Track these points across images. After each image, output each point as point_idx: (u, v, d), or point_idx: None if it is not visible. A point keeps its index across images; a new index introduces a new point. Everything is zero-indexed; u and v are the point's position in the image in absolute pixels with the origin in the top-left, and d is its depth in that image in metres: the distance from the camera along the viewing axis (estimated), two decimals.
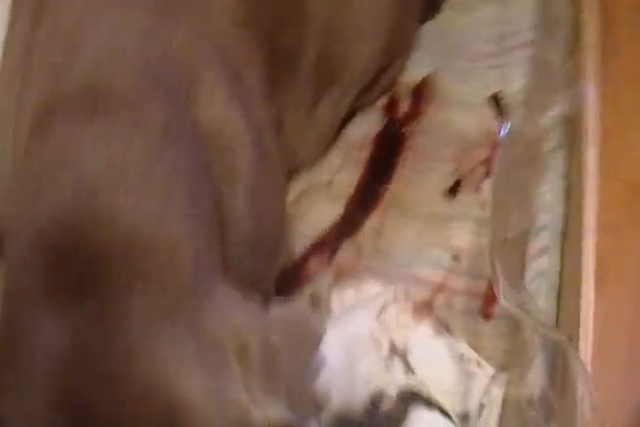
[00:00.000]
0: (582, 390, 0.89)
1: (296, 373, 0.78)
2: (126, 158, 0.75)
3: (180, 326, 0.71)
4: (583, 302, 0.98)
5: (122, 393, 0.66)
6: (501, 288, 1.02)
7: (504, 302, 1.00)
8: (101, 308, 0.70)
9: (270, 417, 0.71)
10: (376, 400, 1.00)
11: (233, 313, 0.75)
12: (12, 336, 0.72)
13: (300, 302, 1.07)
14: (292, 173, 1.18)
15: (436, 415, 0.98)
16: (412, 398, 1.00)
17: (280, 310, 0.83)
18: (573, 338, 0.95)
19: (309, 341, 0.83)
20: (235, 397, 0.70)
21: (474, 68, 1.32)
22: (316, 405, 0.97)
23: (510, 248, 1.08)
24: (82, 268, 0.71)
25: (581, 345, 0.94)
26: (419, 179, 1.22)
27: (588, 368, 0.92)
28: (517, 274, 1.06)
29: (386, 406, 1.00)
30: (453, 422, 0.98)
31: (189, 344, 0.70)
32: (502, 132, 1.22)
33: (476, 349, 1.05)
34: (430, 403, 1.00)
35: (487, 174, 1.21)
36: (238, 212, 0.87)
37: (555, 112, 1.16)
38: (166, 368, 0.68)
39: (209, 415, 0.68)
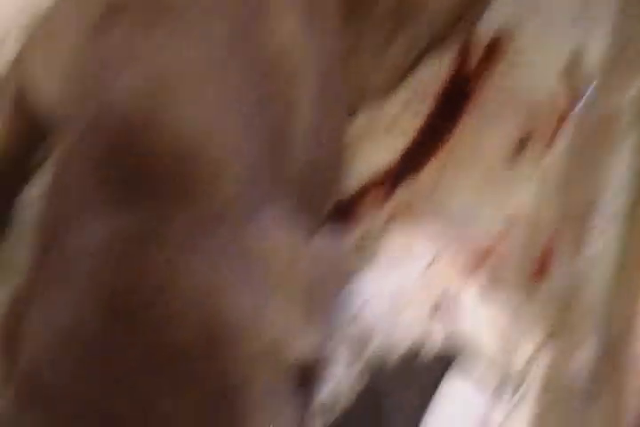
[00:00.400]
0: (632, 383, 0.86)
1: (326, 303, 0.77)
2: (190, 64, 0.75)
3: (224, 238, 0.69)
4: None
5: (163, 300, 0.64)
6: (559, 257, 0.98)
7: (558, 277, 0.97)
8: (149, 209, 0.68)
9: (303, 348, 0.70)
10: (415, 351, 0.97)
11: (277, 234, 0.73)
12: (57, 229, 0.71)
13: (339, 240, 1.03)
14: (356, 106, 1.13)
15: (467, 389, 0.94)
16: (451, 357, 0.96)
17: (321, 242, 0.82)
18: (629, 324, 0.92)
19: (340, 279, 0.84)
20: (272, 319, 0.68)
21: (553, 26, 1.26)
22: (356, 346, 0.93)
23: (572, 223, 1.04)
24: (133, 166, 0.70)
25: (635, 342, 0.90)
26: (482, 136, 1.18)
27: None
28: (576, 250, 1.02)
29: (424, 357, 0.96)
30: (488, 391, 0.94)
31: (232, 258, 0.68)
32: (576, 103, 1.18)
33: (525, 313, 1.01)
34: (468, 364, 0.96)
35: (553, 141, 1.17)
36: (298, 139, 0.84)
37: (633, 90, 1.12)
38: (209, 281, 0.66)
39: (247, 334, 0.65)
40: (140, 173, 0.70)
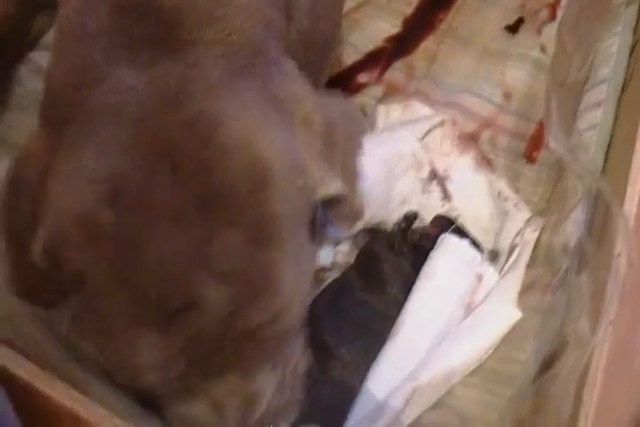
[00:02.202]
0: (621, 244, 0.87)
1: (348, 152, 0.79)
2: None
3: (255, 85, 0.70)
4: (635, 159, 0.95)
5: (208, 145, 0.65)
6: (552, 130, 0.99)
7: (553, 143, 0.97)
8: (177, 55, 0.68)
9: (328, 186, 0.72)
10: (409, 220, 0.98)
11: (298, 83, 0.75)
12: (85, 71, 0.70)
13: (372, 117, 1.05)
14: None
15: (464, 243, 0.96)
16: (446, 223, 0.98)
17: (333, 98, 0.83)
18: (619, 191, 0.93)
19: (357, 131, 0.83)
20: (304, 164, 0.70)
21: None
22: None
23: (567, 94, 1.05)
24: (158, 18, 0.70)
25: (626, 203, 0.91)
26: (480, 10, 1.19)
27: (630, 224, 0.91)
28: (570, 120, 1.03)
29: (418, 226, 0.98)
30: (482, 253, 0.96)
31: (263, 104, 0.69)
32: None
33: (516, 190, 1.03)
34: (462, 232, 0.98)
35: (551, 18, 1.17)
36: (301, 4, 0.84)
37: None
38: (247, 125, 0.67)
39: (286, 175, 0.67)
40: (168, 25, 0.70)
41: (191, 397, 0.70)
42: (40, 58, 1.07)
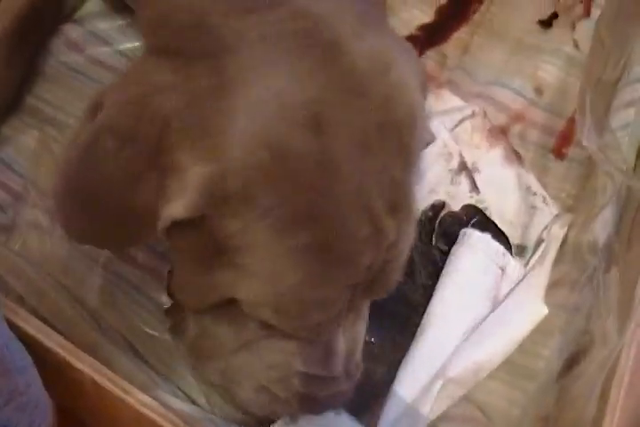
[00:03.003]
0: None
1: None
2: None
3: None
4: None
5: (384, 76, 0.69)
6: (585, 128, 0.98)
7: (586, 141, 0.97)
8: None
9: None
10: (437, 209, 0.98)
11: None
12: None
13: None
14: None
15: (486, 237, 0.96)
16: (475, 212, 0.98)
17: None
18: None
19: None
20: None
21: None
22: None
23: (601, 91, 1.04)
24: None
25: None
26: (515, 3, 1.18)
27: None
28: (603, 118, 1.02)
29: (446, 215, 0.98)
30: (509, 245, 0.96)
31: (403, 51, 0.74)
32: None
33: (544, 186, 1.02)
34: (488, 225, 0.98)
35: (586, 14, 1.16)
36: None
37: None
38: (406, 68, 0.71)
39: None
40: None
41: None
42: (73, 31, 1.07)
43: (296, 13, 0.66)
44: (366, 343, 0.80)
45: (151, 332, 0.84)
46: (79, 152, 0.66)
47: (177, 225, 0.64)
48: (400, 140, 0.67)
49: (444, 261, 0.94)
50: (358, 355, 0.76)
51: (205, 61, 0.64)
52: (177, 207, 0.63)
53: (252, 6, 0.66)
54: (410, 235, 0.71)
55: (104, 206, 0.66)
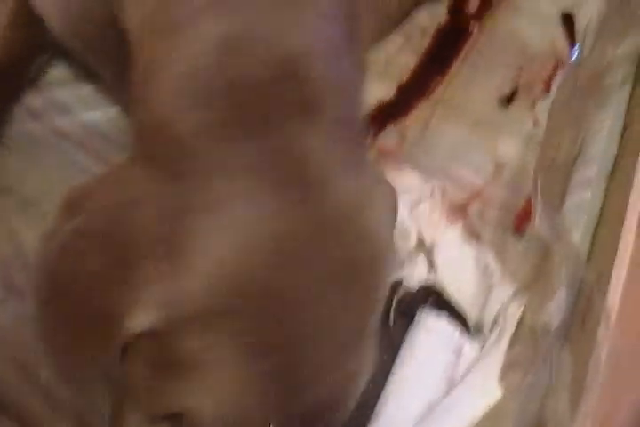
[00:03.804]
0: (602, 336, 0.87)
1: None
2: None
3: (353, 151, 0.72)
4: (622, 243, 0.96)
5: (353, 222, 0.68)
6: (539, 211, 0.99)
7: (539, 225, 0.98)
8: (314, 129, 0.69)
9: None
10: (394, 288, 0.98)
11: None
12: (229, 128, 0.67)
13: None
14: None
15: (441, 318, 0.96)
16: (431, 293, 0.98)
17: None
18: (603, 277, 0.94)
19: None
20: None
21: None
22: None
23: (555, 173, 1.05)
24: (251, 96, 0.68)
25: (611, 287, 0.92)
26: (475, 80, 1.18)
27: (614, 313, 0.91)
28: (557, 200, 1.03)
29: (402, 295, 0.98)
30: (468, 325, 0.96)
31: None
32: (571, 55, 1.19)
33: (502, 264, 1.02)
34: (444, 306, 0.98)
35: (545, 92, 1.18)
36: None
37: (626, 46, 1.13)
38: (375, 212, 0.70)
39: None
40: (261, 100, 0.68)
41: None
42: (34, 99, 1.07)
43: (285, 146, 0.66)
44: None
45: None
46: (56, 252, 0.66)
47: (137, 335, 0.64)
48: (366, 281, 0.68)
49: (400, 341, 0.93)
50: None
51: (186, 181, 0.65)
52: (138, 320, 0.63)
53: (243, 134, 0.66)
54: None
55: (77, 308, 0.66)
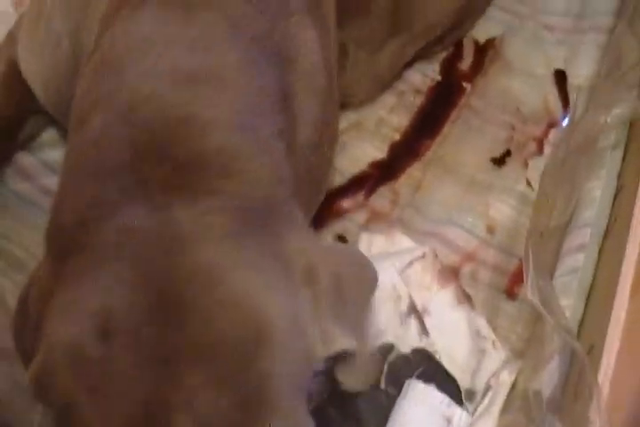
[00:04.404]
0: (593, 413, 0.86)
1: (357, 305, 0.77)
2: (222, 65, 0.75)
3: (265, 239, 0.69)
4: (614, 312, 0.95)
5: (207, 289, 0.64)
6: (530, 277, 0.98)
7: (530, 291, 0.97)
8: (192, 203, 0.68)
9: (336, 348, 0.70)
10: (385, 352, 0.97)
11: (305, 238, 0.74)
12: (94, 205, 0.69)
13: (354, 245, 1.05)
14: (343, 106, 1.12)
15: (429, 388, 0.94)
16: (422, 359, 0.97)
17: (338, 246, 0.84)
18: (596, 345, 0.93)
19: (366, 281, 0.81)
20: (307, 328, 0.69)
21: (543, 37, 1.30)
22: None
23: (548, 238, 1.04)
24: (173, 161, 0.69)
25: (605, 355, 0.91)
26: (467, 139, 1.19)
27: (608, 381, 0.89)
28: (550, 265, 1.03)
29: (394, 359, 0.97)
30: (459, 392, 0.95)
31: (271, 261, 0.68)
32: (563, 117, 1.19)
33: (494, 327, 1.01)
34: (435, 373, 0.97)
35: (539, 151, 1.18)
36: (303, 137, 0.85)
37: (619, 110, 1.13)
38: (254, 283, 0.66)
39: (287, 338, 0.66)
40: (185, 173, 0.69)
41: None
42: (24, 159, 1.09)
43: (125, 227, 0.67)
44: None
45: None
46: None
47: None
48: (227, 363, 0.64)
49: (391, 406, 0.92)
50: None
51: (55, 259, 0.70)
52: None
53: (93, 215, 0.69)
54: None
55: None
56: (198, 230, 0.66)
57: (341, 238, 1.07)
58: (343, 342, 0.71)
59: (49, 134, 1.10)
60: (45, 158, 1.08)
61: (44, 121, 1.07)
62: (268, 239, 0.69)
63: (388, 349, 0.97)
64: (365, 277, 0.80)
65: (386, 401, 0.93)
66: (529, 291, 0.94)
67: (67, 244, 0.69)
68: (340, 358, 0.72)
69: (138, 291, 0.65)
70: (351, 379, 0.78)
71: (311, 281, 0.70)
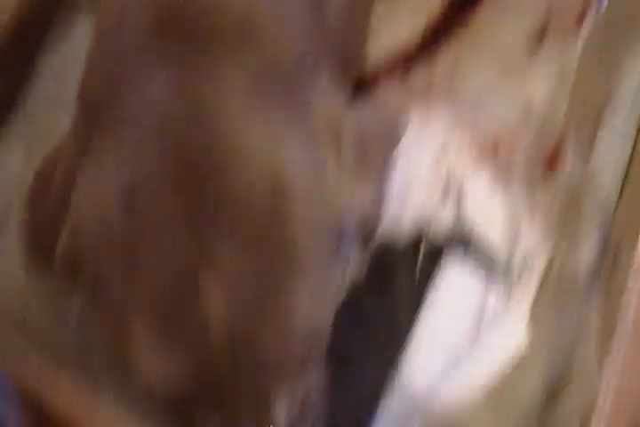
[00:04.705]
0: (632, 284, 0.87)
1: (378, 163, 0.79)
2: None
3: (280, 97, 0.70)
4: None
5: (228, 152, 0.66)
6: (569, 156, 0.98)
7: (569, 169, 0.97)
8: (214, 67, 0.69)
9: (357, 207, 0.73)
10: (420, 235, 0.98)
11: (329, 100, 0.75)
12: (117, 80, 0.71)
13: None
14: None
15: (467, 266, 0.96)
16: (458, 241, 0.98)
17: (366, 106, 0.85)
18: (632, 228, 0.93)
19: (392, 140, 0.84)
20: (329, 182, 0.70)
21: None
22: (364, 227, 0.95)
23: (587, 118, 1.04)
24: (188, 27, 0.70)
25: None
26: (504, 19, 1.15)
27: None
28: (587, 146, 1.02)
29: (430, 241, 0.98)
30: (494, 274, 0.96)
31: (288, 117, 0.70)
32: None
33: (530, 209, 1.02)
34: (471, 253, 0.97)
35: (575, 34, 1.15)
36: (330, 7, 0.84)
37: None
38: (274, 139, 0.68)
39: (308, 195, 0.68)
40: (197, 34, 0.70)
41: (205, 415, 0.70)
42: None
43: (144, 99, 0.69)
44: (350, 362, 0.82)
45: None
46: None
47: None
48: (249, 224, 0.66)
49: (425, 289, 0.93)
50: None
51: (80, 133, 0.72)
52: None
53: (114, 90, 0.70)
54: (276, 330, 0.68)
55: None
56: (220, 98, 0.67)
57: None
58: (366, 199, 0.72)
59: None
60: None
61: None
62: (292, 103, 0.71)
63: (422, 233, 0.97)
64: (390, 135, 0.83)
65: (423, 282, 0.94)
66: (567, 167, 0.93)
67: (90, 118, 0.71)
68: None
69: (161, 163, 0.66)
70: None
71: (335, 139, 0.72)
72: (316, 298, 0.70)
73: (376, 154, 0.80)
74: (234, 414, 0.70)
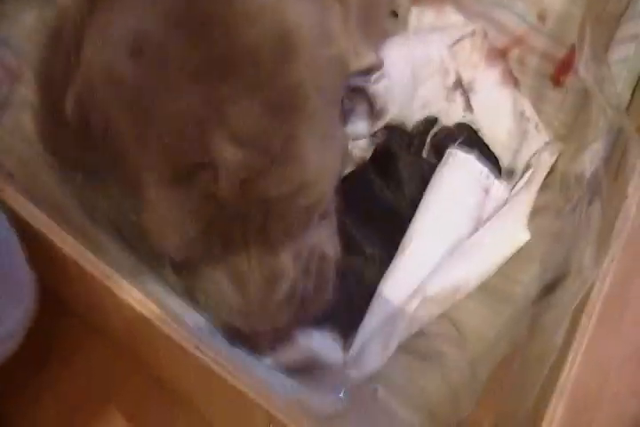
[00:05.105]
0: (634, 186, 0.88)
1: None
2: None
3: None
4: None
5: (234, 6, 0.66)
6: (583, 59, 0.97)
7: (583, 73, 0.96)
8: None
9: (364, 62, 0.74)
10: (429, 123, 0.98)
11: None
12: None
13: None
14: None
15: (470, 157, 0.95)
16: (466, 132, 0.98)
17: None
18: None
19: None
20: (336, 35, 0.70)
21: None
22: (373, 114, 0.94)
23: (603, 23, 1.03)
24: None
25: None
26: None
27: None
28: (602, 50, 1.01)
29: (439, 130, 0.98)
30: (498, 168, 0.96)
31: None
32: None
33: (538, 112, 1.01)
34: (477, 145, 0.97)
35: None
36: None
37: None
38: None
39: (314, 45, 0.68)
40: None
41: (211, 266, 0.70)
42: None
43: None
44: (359, 253, 0.81)
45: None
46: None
47: None
48: (258, 71, 0.65)
49: (432, 173, 0.94)
50: (282, 291, 0.73)
51: None
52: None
53: None
54: (285, 177, 0.68)
55: None
56: None
57: (392, 13, 1.04)
58: (369, 56, 0.74)
59: None
60: None
61: None
62: None
63: (431, 121, 0.98)
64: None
65: (427, 168, 0.94)
66: (580, 71, 0.93)
67: None
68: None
69: (166, 12, 0.66)
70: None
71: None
72: (324, 146, 0.70)
73: (377, 19, 0.81)
74: (240, 263, 0.70)
